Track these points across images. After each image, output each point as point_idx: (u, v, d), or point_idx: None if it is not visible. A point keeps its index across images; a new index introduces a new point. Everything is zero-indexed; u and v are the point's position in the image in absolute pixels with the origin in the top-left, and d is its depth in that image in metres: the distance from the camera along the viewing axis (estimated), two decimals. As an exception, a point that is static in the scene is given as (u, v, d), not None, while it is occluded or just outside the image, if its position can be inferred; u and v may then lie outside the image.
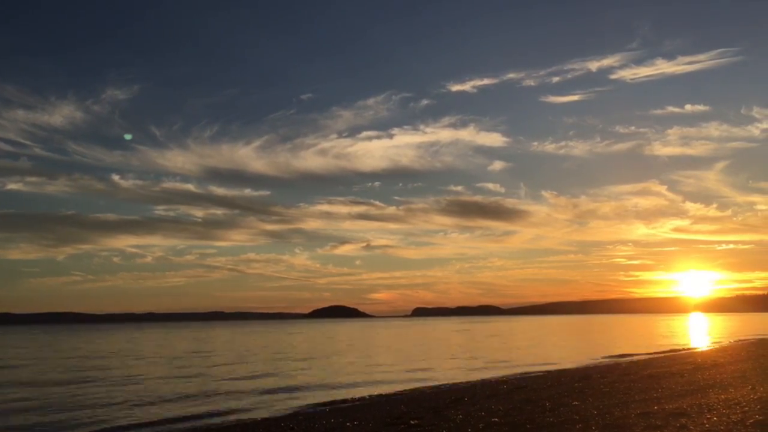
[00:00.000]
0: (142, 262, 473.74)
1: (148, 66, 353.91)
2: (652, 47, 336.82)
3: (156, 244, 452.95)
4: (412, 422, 13.43)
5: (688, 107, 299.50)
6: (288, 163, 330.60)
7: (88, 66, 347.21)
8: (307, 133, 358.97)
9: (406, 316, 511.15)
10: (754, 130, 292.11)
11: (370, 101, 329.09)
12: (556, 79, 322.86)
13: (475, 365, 31.55)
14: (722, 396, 13.70)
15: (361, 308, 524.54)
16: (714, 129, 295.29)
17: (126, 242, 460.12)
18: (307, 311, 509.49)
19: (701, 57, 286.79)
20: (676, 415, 11.41)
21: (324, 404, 18.72)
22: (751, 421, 10.17)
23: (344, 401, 19.32)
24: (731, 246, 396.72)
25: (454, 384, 23.18)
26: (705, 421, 10.50)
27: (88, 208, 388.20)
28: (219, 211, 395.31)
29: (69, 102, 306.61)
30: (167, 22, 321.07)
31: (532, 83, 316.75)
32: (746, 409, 11.42)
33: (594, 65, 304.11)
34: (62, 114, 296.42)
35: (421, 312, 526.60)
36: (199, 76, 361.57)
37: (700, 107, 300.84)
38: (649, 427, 10.44)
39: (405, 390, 21.78)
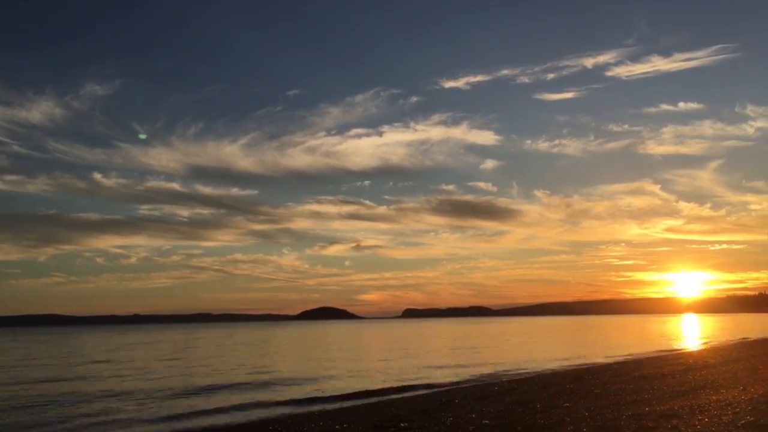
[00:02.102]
0: (126, 263, 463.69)
1: (128, 61, 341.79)
2: (649, 43, 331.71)
3: (140, 244, 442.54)
4: (402, 425, 13.31)
5: (682, 105, 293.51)
6: (275, 161, 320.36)
7: (66, 60, 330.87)
8: (295, 131, 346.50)
9: (396, 317, 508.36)
10: (749, 129, 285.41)
11: (359, 98, 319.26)
12: (551, 76, 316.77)
13: (466, 367, 31.43)
14: (714, 397, 13.67)
15: (350, 310, 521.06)
16: (708, 127, 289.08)
17: (109, 242, 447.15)
18: (295, 313, 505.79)
19: (698, 54, 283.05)
20: (668, 416, 11.38)
21: (312, 406, 18.58)
22: (743, 422, 10.12)
23: (333, 403, 19.18)
24: (724, 246, 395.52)
25: (445, 386, 23.08)
26: (696, 422, 10.45)
27: (70, 208, 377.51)
28: (205, 211, 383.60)
29: (48, 98, 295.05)
30: (148, 14, 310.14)
31: (527, 80, 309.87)
32: (737, 410, 11.39)
33: (589, 62, 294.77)
34: (41, 110, 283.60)
35: (411, 313, 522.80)
36: (181, 71, 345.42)
37: (694, 105, 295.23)
38: (640, 429, 10.38)
39: (395, 391, 21.66)
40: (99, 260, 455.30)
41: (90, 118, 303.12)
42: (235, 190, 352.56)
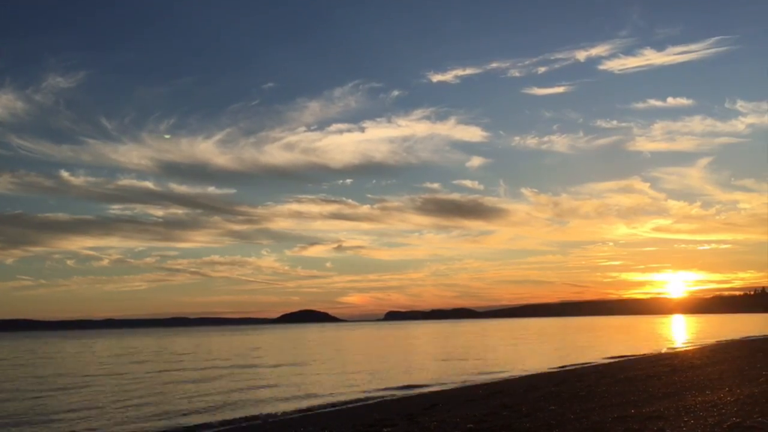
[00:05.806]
0: (98, 265, 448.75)
1: (93, 51, 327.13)
2: (642, 36, 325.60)
3: (113, 245, 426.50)
4: (385, 429, 13.16)
5: (671, 100, 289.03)
6: (253, 158, 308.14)
7: (25, 51, 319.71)
8: (273, 126, 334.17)
9: (378, 320, 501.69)
10: (739, 125, 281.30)
11: (338, 91, 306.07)
12: (542, 69, 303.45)
13: (451, 370, 31.26)
14: (699, 398, 13.57)
15: (331, 312, 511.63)
16: (698, 123, 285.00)
17: (80, 244, 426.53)
18: (275, 316, 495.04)
19: (692, 47, 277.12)
20: (654, 418, 11.26)
21: (293, 412, 18.29)
22: (728, 423, 9.99)
23: (314, 408, 18.90)
24: (713, 246, 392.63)
25: (429, 389, 22.87)
26: (682, 424, 10.33)
27: (37, 208, 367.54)
28: (180, 211, 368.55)
29: (7, 91, 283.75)
30: (113, 1, 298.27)
31: (517, 74, 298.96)
32: (723, 411, 11.28)
33: (582, 55, 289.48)
34: (0, 104, 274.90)
35: (393, 316, 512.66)
36: (150, 62, 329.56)
37: (684, 100, 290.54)
38: (626, 431, 10.25)
39: (378, 396, 21.42)
40: (69, 262, 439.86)
41: (54, 113, 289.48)
42: (211, 189, 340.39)
